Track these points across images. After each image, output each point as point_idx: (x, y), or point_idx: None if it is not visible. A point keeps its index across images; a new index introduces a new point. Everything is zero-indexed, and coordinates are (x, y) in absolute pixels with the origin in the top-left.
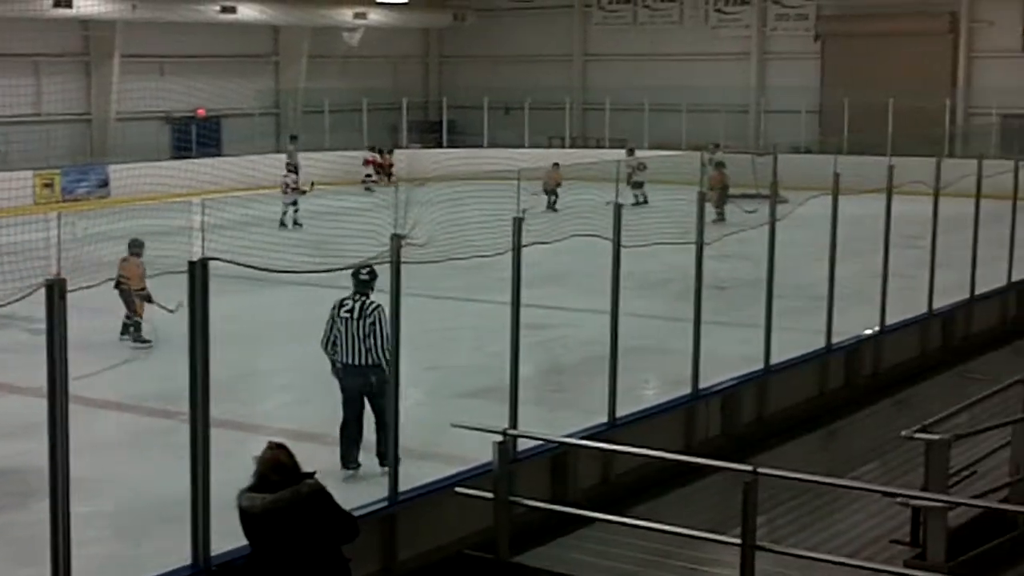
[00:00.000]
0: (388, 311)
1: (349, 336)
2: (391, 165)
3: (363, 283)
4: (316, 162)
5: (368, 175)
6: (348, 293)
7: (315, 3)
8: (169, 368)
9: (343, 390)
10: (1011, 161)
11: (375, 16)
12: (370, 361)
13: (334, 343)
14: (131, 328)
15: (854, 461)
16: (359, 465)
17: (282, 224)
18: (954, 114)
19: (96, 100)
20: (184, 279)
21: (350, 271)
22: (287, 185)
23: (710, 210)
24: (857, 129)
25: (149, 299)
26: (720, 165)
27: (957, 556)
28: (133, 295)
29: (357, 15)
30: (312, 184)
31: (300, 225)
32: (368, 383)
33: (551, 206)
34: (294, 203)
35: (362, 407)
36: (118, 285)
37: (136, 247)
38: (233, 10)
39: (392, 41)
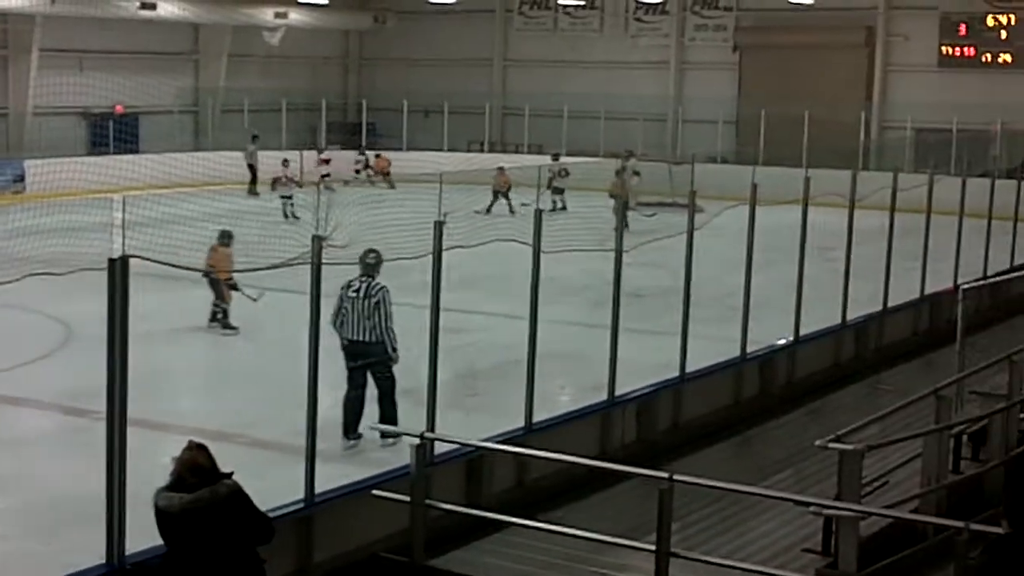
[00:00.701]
0: (310, 312)
1: (355, 314)
2: (388, 164)
3: (370, 266)
4: (237, 161)
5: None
6: (354, 276)
7: (236, 2)
8: (82, 365)
9: (348, 365)
10: (925, 175)
11: (296, 16)
12: (373, 338)
13: (342, 321)
14: (219, 315)
15: (768, 469)
16: (360, 436)
17: (285, 216)
18: (869, 127)
19: (13, 94)
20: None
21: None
22: (285, 178)
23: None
24: (774, 140)
25: (235, 287)
26: (619, 173)
27: (868, 565)
28: (222, 284)
29: (278, 15)
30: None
31: (298, 218)
32: (371, 358)
33: (510, 210)
34: (289, 196)
35: (365, 381)
36: (207, 274)
37: (226, 238)
38: (153, 6)
39: (313, 42)
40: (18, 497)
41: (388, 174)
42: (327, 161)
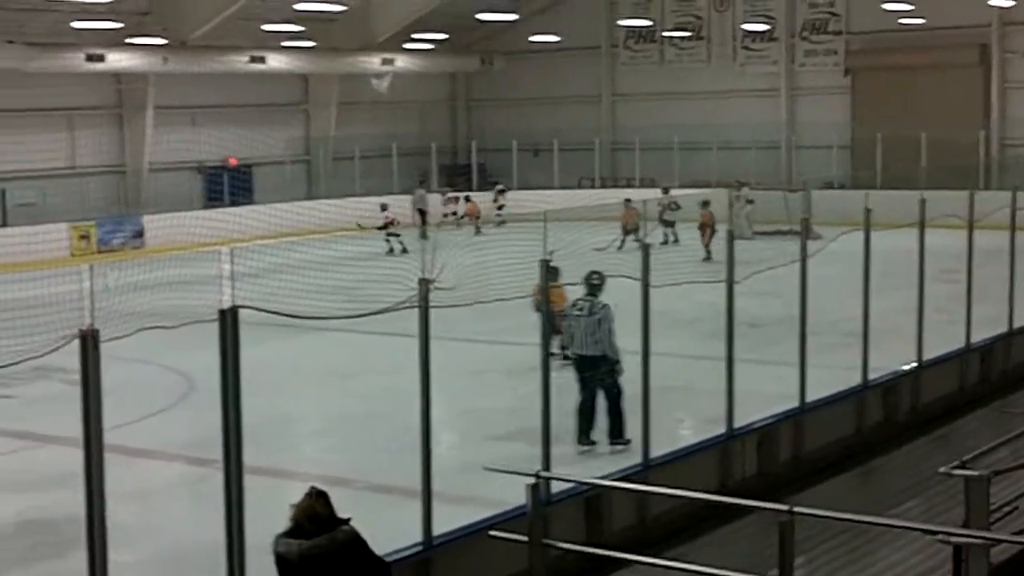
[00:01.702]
0: (420, 355)
1: (580, 331)
2: (478, 209)
3: (594, 286)
4: (344, 209)
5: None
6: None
7: (343, 51)
8: (203, 416)
9: (579, 378)
10: None
11: (402, 62)
12: (598, 352)
13: (570, 337)
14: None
15: (893, 499)
16: (593, 443)
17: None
18: (988, 146)
19: (130, 152)
20: (214, 328)
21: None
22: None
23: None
24: (890, 163)
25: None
26: (705, 204)
27: None
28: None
29: (385, 61)
30: (359, 226)
31: (407, 251)
32: (597, 372)
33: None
34: (398, 234)
35: (595, 393)
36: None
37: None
38: (262, 60)
39: (420, 86)
40: (144, 549)
41: (478, 218)
42: (422, 210)
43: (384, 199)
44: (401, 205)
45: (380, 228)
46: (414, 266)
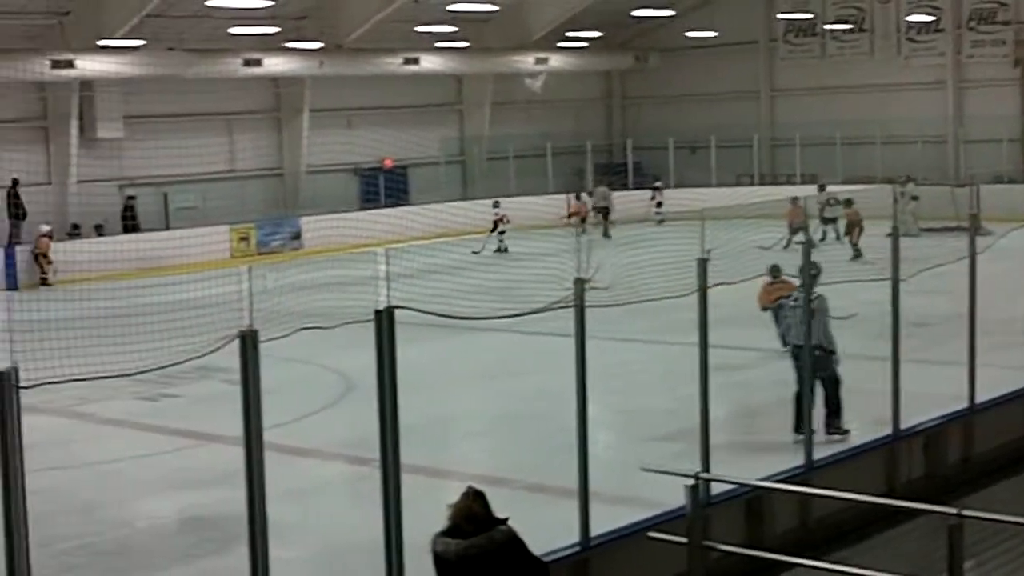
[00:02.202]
0: (576, 355)
1: (796, 322)
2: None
3: (813, 277)
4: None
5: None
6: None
7: (497, 51)
8: (361, 415)
9: (796, 368)
10: None
11: (556, 61)
12: (813, 343)
13: (787, 328)
14: None
15: None
16: (813, 431)
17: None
18: None
19: (287, 154)
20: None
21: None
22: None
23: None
24: None
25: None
26: (849, 202)
27: None
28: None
29: (539, 60)
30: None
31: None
32: (813, 361)
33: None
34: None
35: (813, 382)
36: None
37: (776, 271)
38: (416, 61)
39: (574, 84)
40: (304, 546)
41: (584, 219)
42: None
43: (499, 198)
44: (555, 205)
45: (492, 230)
46: (569, 266)
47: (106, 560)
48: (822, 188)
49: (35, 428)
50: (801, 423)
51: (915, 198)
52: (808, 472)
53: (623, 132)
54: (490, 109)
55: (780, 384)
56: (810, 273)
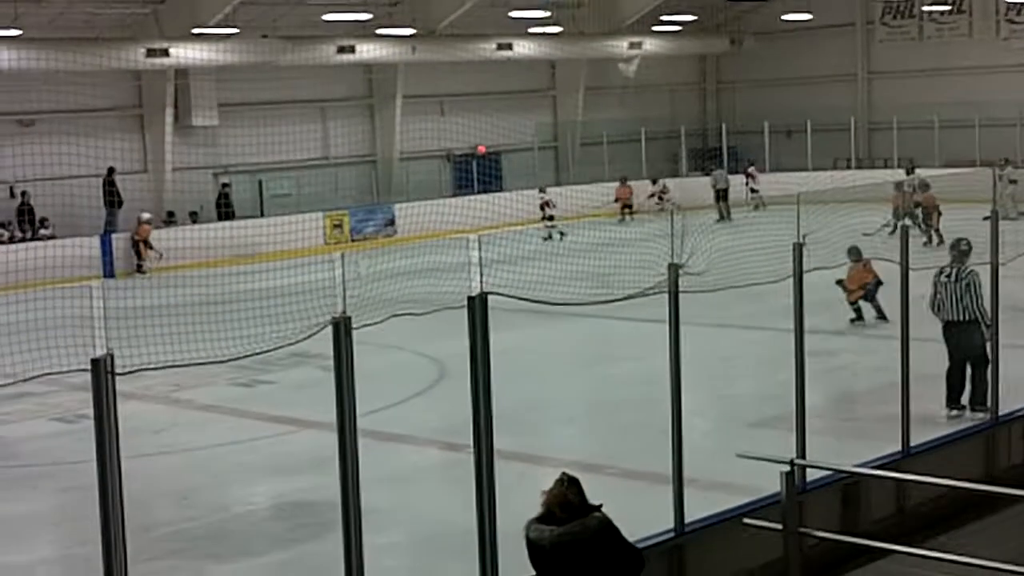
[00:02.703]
0: (669, 341)
1: (948, 297)
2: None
3: (963, 253)
4: (592, 194)
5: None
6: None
7: (590, 36)
8: (455, 402)
9: (947, 343)
10: None
11: (650, 45)
12: (966, 317)
13: (938, 305)
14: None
15: None
16: (964, 407)
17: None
18: None
19: (381, 141)
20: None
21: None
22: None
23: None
24: None
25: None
26: (925, 187)
27: None
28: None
29: (632, 45)
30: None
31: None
32: (966, 336)
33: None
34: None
35: (964, 357)
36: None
37: (855, 254)
38: (509, 47)
39: (668, 69)
40: (398, 532)
41: (628, 206)
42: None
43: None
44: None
45: (542, 219)
46: (663, 251)
47: (203, 545)
48: (910, 171)
49: (132, 415)
50: (952, 400)
51: (1013, 181)
52: (905, 458)
53: (718, 116)
54: (583, 94)
55: (878, 370)
56: (961, 249)
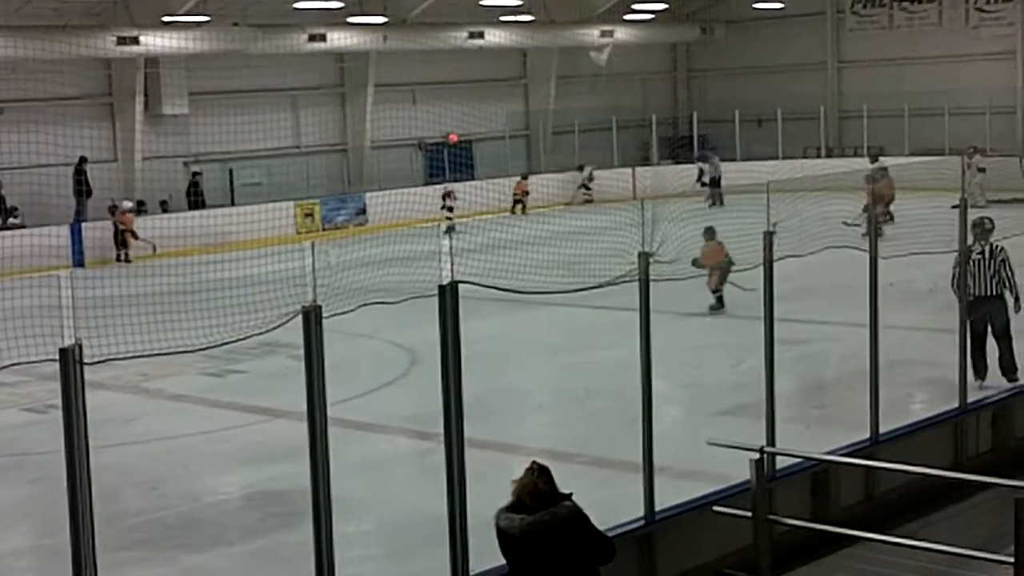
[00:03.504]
0: (640, 329)
1: (981, 273)
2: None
3: (987, 231)
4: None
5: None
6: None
7: (562, 24)
8: (426, 390)
9: (974, 318)
10: None
11: (621, 34)
12: (995, 292)
13: (972, 280)
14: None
15: None
16: (985, 376)
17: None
18: None
19: (352, 130)
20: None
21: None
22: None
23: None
24: None
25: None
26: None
27: None
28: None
29: (604, 33)
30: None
31: None
32: (995, 310)
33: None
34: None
35: (986, 331)
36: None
37: (709, 233)
38: (481, 35)
39: (639, 57)
40: (372, 520)
41: (519, 201)
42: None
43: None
44: (622, 178)
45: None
46: (634, 240)
47: (173, 535)
48: (874, 159)
49: (102, 404)
50: (978, 371)
51: (982, 170)
52: (874, 446)
53: (689, 105)
54: (555, 83)
55: (847, 358)
56: (985, 227)
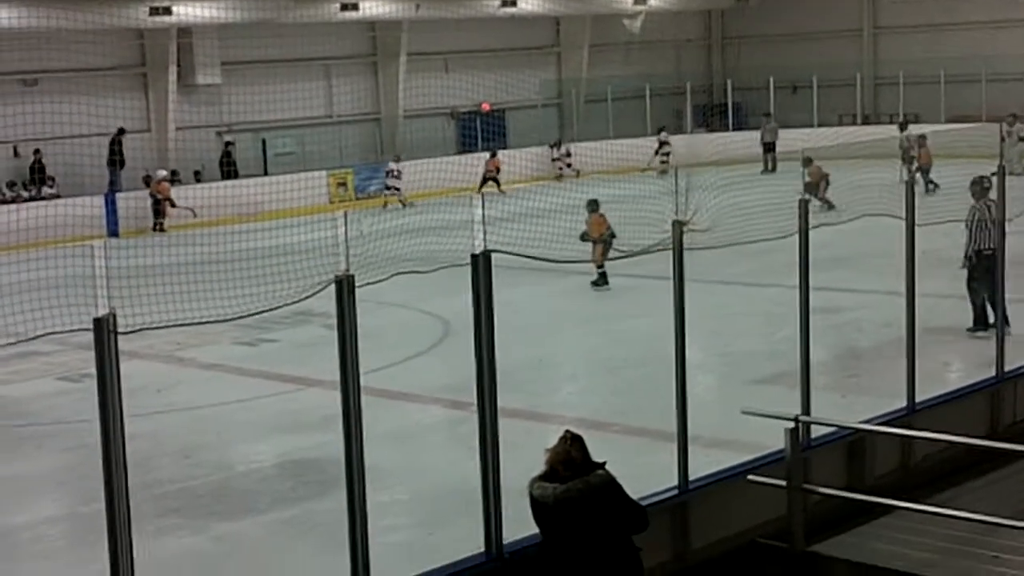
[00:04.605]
0: (674, 298)
1: (986, 231)
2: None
3: (985, 189)
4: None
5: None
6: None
7: None
8: (459, 359)
9: (978, 272)
10: None
11: (655, 1)
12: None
13: (986, 237)
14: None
15: None
16: (984, 328)
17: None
18: None
19: (384, 99)
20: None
21: (636, 257)
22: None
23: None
24: None
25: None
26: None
27: None
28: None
29: (637, 1)
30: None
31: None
32: (993, 264)
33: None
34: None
35: (990, 280)
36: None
37: (592, 206)
38: (514, 3)
39: (673, 25)
40: (405, 489)
41: (493, 177)
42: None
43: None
44: (650, 148)
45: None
46: (668, 208)
47: (206, 503)
48: (903, 127)
49: (135, 373)
50: (977, 322)
51: (1023, 139)
52: (910, 414)
53: (723, 73)
54: (588, 51)
55: (883, 326)
56: (984, 186)
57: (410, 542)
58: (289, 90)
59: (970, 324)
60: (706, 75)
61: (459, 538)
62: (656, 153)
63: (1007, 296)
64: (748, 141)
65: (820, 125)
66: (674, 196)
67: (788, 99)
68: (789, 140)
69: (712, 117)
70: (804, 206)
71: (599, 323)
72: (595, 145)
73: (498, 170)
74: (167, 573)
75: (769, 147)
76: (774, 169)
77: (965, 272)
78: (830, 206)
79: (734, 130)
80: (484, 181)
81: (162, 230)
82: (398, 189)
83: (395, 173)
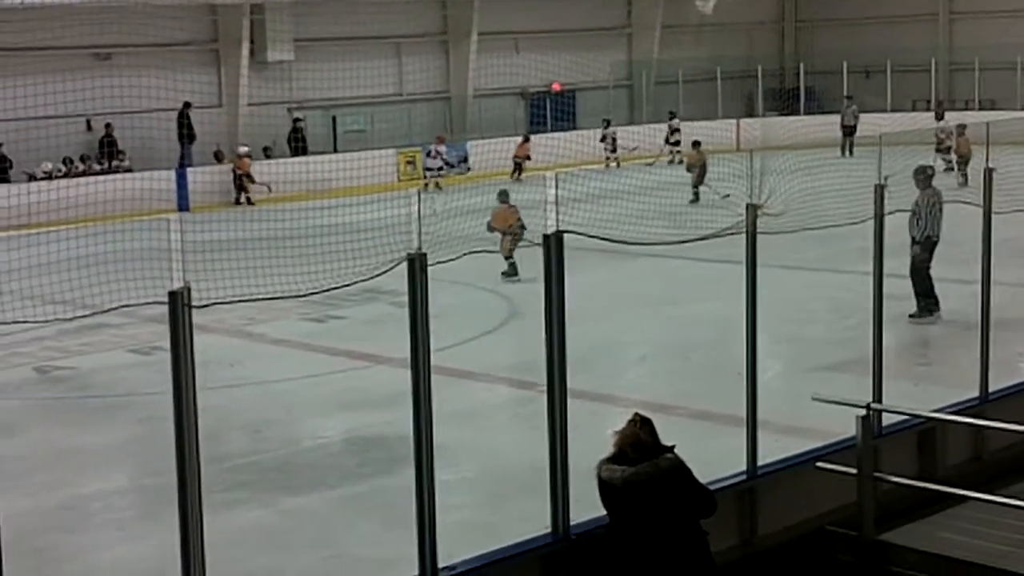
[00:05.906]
0: (746, 283)
1: (929, 217)
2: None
3: (928, 178)
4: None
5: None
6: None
7: None
8: (527, 339)
9: (921, 257)
10: None
11: None
12: (937, 234)
13: (935, 224)
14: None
15: None
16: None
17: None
18: None
19: (454, 78)
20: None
21: (708, 240)
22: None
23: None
24: None
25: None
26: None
27: None
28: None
29: None
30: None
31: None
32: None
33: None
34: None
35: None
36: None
37: (503, 196)
38: None
39: (746, 7)
40: (471, 467)
41: (520, 166)
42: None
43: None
44: (725, 129)
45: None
46: (741, 192)
47: (274, 477)
48: (940, 115)
49: (206, 347)
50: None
51: (962, 126)
52: (983, 404)
53: (796, 56)
54: (660, 32)
55: (955, 314)
56: (928, 174)
57: (476, 520)
58: (360, 68)
59: None
60: (778, 58)
61: (524, 517)
62: (667, 141)
63: None
64: (824, 125)
65: (893, 111)
66: (747, 179)
67: (861, 83)
68: (866, 125)
69: (786, 101)
70: (880, 191)
71: (669, 306)
72: (664, 127)
73: (528, 157)
74: (235, 545)
75: (849, 130)
76: (851, 153)
77: None
78: (965, 181)
79: (806, 114)
80: (516, 167)
81: (250, 203)
82: (436, 170)
83: (434, 154)
